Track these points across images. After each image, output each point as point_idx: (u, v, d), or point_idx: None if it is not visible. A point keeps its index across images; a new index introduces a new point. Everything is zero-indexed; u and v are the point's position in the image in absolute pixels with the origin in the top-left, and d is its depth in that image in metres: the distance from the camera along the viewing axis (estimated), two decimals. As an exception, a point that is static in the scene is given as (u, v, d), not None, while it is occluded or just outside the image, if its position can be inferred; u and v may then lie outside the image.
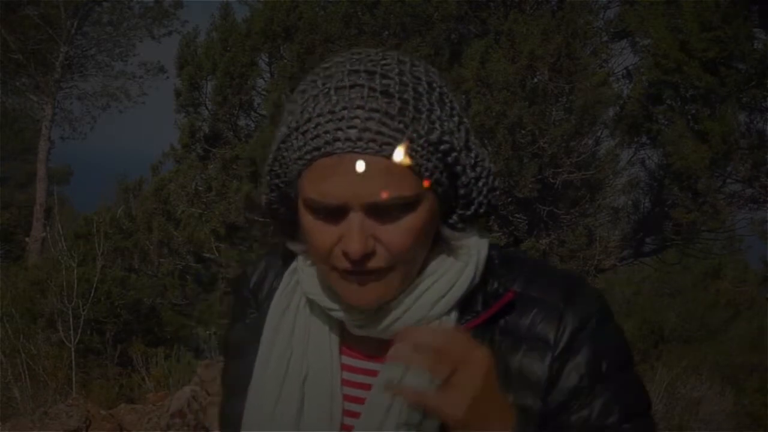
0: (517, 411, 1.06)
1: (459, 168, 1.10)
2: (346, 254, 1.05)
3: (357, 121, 1.03)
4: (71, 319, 8.92)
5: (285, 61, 9.87)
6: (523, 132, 9.06)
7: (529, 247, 9.59)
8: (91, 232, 10.40)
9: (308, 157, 1.05)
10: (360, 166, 1.03)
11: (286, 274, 1.20)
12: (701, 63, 8.61)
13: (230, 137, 10.26)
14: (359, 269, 1.06)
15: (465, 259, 1.13)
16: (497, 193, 1.16)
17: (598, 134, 9.82)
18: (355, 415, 1.12)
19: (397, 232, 1.06)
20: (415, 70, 1.09)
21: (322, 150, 1.04)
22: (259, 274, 1.27)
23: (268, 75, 10.31)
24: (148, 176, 12.31)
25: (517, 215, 9.62)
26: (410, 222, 1.06)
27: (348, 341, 1.16)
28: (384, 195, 1.04)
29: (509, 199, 9.31)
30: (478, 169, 1.13)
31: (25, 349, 8.88)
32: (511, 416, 1.04)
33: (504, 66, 8.99)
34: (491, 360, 1.02)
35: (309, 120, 1.05)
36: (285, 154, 1.08)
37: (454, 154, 1.09)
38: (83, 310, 9.11)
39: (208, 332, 9.98)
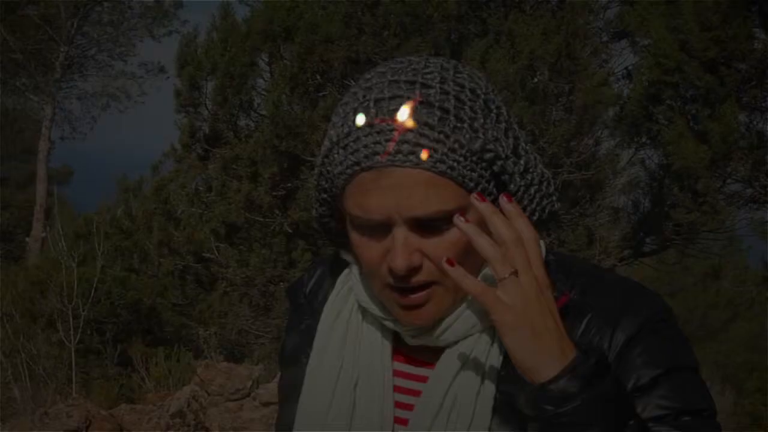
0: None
1: (506, 177, 1.08)
2: (392, 270, 1.04)
3: (396, 133, 1.01)
4: (71, 319, 8.92)
5: (285, 61, 9.87)
6: (523, 132, 9.05)
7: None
8: (91, 232, 10.40)
9: (349, 171, 1.03)
10: (399, 178, 1.01)
11: (339, 280, 1.20)
12: (701, 63, 8.61)
13: (230, 137, 10.26)
14: (406, 285, 1.05)
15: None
16: (554, 198, 1.14)
17: (598, 134, 9.82)
18: (404, 422, 1.11)
19: (443, 246, 1.03)
20: (458, 77, 1.07)
21: (362, 164, 1.02)
22: (315, 280, 1.26)
23: (268, 75, 10.30)
24: (148, 176, 12.31)
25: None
26: (456, 235, 1.03)
27: (400, 347, 1.15)
28: (425, 209, 1.01)
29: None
30: (529, 177, 1.11)
31: (25, 349, 8.88)
32: (571, 350, 0.99)
33: (504, 66, 8.99)
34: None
35: (349, 134, 1.04)
36: (329, 168, 1.07)
37: (500, 162, 1.07)
38: (83, 310, 9.11)
39: (208, 332, 9.98)
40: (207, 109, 10.46)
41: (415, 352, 1.14)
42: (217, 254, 10.13)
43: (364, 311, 1.15)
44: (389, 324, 1.13)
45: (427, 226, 1.03)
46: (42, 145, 19.23)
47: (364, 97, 1.05)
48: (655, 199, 10.07)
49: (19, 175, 23.95)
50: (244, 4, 11.34)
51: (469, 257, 1.04)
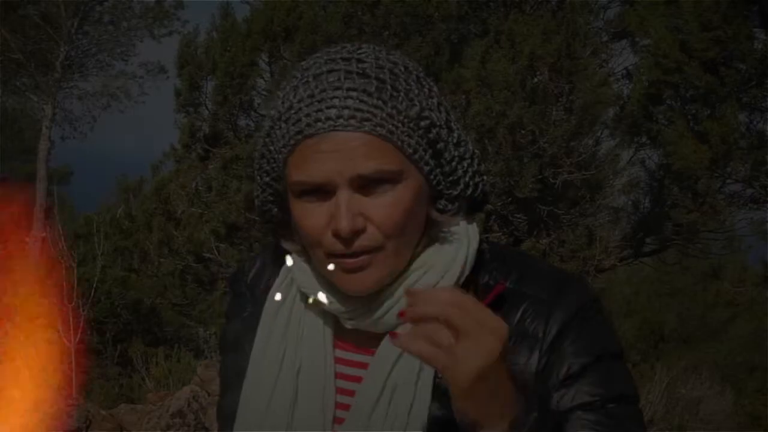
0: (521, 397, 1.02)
1: (441, 145, 1.11)
2: (336, 234, 1.06)
3: (336, 101, 1.05)
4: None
5: (285, 61, 9.87)
6: (523, 132, 9.06)
7: (529, 247, 9.58)
8: (91, 232, 10.40)
9: (292, 142, 1.07)
10: (341, 142, 1.05)
11: (283, 269, 1.21)
12: (701, 63, 8.60)
13: (230, 137, 10.26)
14: (351, 251, 1.07)
15: (455, 249, 1.14)
16: (484, 178, 1.17)
17: (598, 134, 9.82)
18: (347, 407, 1.13)
19: (384, 207, 1.07)
20: (390, 56, 1.11)
21: (305, 132, 1.06)
22: (257, 270, 1.28)
23: (268, 75, 10.30)
24: (148, 176, 12.31)
25: (517, 215, 9.61)
26: (396, 197, 1.07)
27: (342, 335, 1.17)
28: (367, 167, 1.05)
29: (509, 199, 9.30)
30: (462, 149, 1.14)
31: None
32: (515, 398, 1.01)
33: (504, 66, 8.99)
34: (506, 332, 0.98)
35: (290, 108, 1.08)
36: (271, 147, 1.11)
37: (435, 129, 1.10)
38: (83, 310, 9.11)
39: (208, 332, 9.98)
40: (207, 109, 10.46)
41: (357, 339, 1.16)
42: (217, 254, 10.13)
43: (305, 299, 1.17)
44: (329, 308, 1.15)
45: (369, 187, 1.07)
46: (42, 145, 19.22)
47: (302, 75, 1.10)
48: (655, 199, 10.06)
49: (19, 175, 23.96)
50: (244, 3, 11.33)
51: (411, 220, 1.09)
